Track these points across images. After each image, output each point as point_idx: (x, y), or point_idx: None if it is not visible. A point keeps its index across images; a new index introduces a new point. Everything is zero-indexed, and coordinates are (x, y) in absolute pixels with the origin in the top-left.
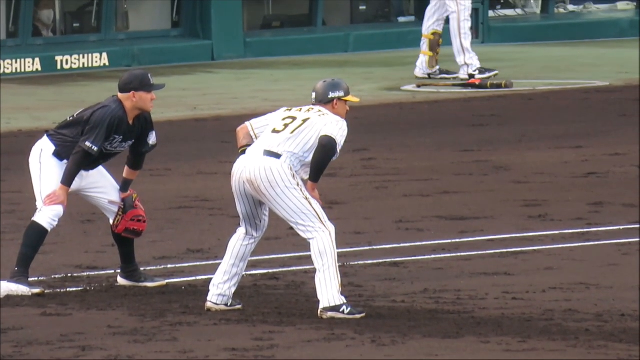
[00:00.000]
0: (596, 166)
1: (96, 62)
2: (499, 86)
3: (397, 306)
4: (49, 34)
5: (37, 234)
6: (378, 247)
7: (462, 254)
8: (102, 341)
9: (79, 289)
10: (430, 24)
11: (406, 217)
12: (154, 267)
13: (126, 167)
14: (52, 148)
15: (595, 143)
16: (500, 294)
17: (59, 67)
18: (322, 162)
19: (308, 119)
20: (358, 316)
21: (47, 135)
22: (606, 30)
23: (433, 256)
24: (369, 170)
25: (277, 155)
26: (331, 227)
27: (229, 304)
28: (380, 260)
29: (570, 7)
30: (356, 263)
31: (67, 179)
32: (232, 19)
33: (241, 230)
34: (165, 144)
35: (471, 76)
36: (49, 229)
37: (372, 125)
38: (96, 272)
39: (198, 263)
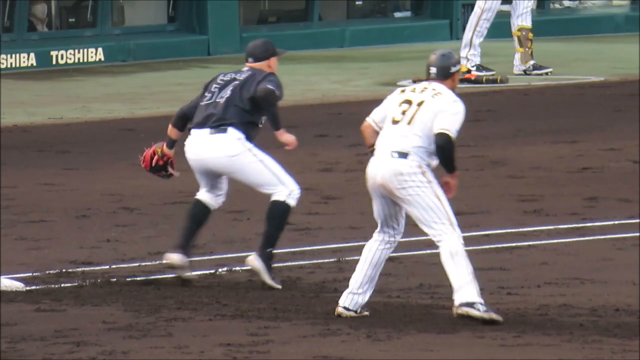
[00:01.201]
0: (591, 161)
1: (92, 57)
2: (494, 81)
3: (393, 301)
4: (44, 28)
5: (285, 212)
6: None
7: None
8: (97, 337)
9: (74, 284)
10: (514, 20)
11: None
12: (149, 263)
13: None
14: (242, 135)
15: (591, 138)
16: (496, 288)
17: (54, 62)
18: (447, 158)
19: (423, 102)
20: (495, 316)
21: (231, 126)
22: (602, 25)
23: (429, 251)
24: (365, 165)
25: (405, 155)
26: (459, 232)
27: (358, 311)
28: None
29: (566, 3)
30: (352, 258)
31: (280, 122)
32: (228, 14)
33: (378, 236)
34: (161, 138)
35: (468, 71)
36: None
37: None
38: (91, 268)
39: (193, 259)
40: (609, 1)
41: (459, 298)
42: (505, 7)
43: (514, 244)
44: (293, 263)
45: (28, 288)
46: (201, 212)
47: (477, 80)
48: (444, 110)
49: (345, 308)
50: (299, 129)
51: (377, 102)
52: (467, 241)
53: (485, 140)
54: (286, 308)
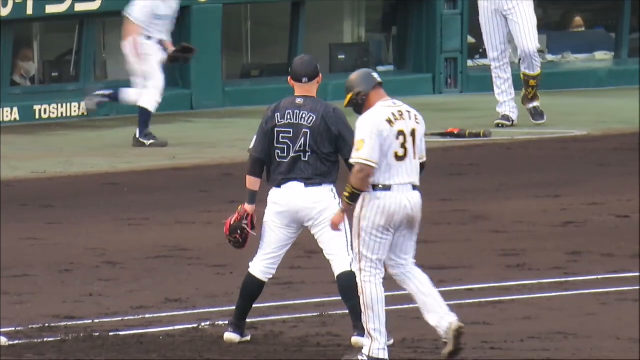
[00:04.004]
0: (574, 215)
1: (74, 111)
2: (477, 135)
3: None
4: (27, 83)
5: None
6: None
7: None
8: None
9: (57, 339)
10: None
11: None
12: (132, 317)
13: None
14: (332, 185)
15: (574, 192)
16: (479, 343)
17: (37, 116)
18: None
19: (414, 130)
20: None
21: (322, 177)
22: (584, 79)
23: (411, 305)
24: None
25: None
26: None
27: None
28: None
29: (549, 57)
30: (335, 312)
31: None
32: (211, 68)
33: (378, 272)
34: (144, 193)
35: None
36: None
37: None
38: (74, 322)
39: (176, 313)
40: (592, 56)
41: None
42: (488, 61)
43: (496, 299)
44: (276, 317)
45: (11, 342)
46: (255, 289)
47: (460, 134)
48: (423, 134)
49: None
50: None
51: None
52: (450, 295)
53: (467, 194)
54: None
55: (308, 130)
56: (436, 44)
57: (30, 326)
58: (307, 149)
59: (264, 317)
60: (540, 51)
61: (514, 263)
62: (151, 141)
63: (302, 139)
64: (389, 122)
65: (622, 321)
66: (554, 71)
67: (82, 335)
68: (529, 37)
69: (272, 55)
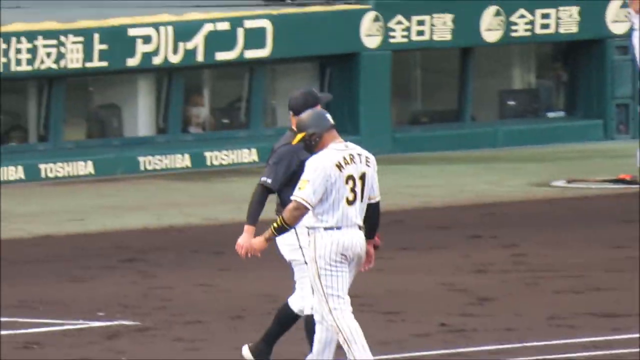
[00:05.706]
0: None
1: (245, 157)
2: None
3: None
4: (198, 129)
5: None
6: (529, 344)
7: (615, 351)
8: None
9: None
10: None
11: (558, 314)
12: None
13: None
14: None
15: None
16: None
17: (208, 163)
18: (378, 224)
19: (364, 174)
20: None
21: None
22: None
23: (585, 354)
24: (519, 267)
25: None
26: None
27: None
28: (532, 358)
29: None
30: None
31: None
32: (381, 114)
33: (348, 307)
34: None
35: None
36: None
37: (522, 220)
38: None
39: None
40: None
41: None
42: None
43: None
44: None
45: None
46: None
47: (633, 181)
48: (375, 176)
49: None
50: (452, 230)
51: (530, 202)
52: (625, 344)
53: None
54: None
55: None
56: (607, 89)
57: None
58: None
59: None
60: None
61: None
62: None
63: None
64: (339, 166)
65: None
66: None
67: None
68: None
69: (442, 102)
